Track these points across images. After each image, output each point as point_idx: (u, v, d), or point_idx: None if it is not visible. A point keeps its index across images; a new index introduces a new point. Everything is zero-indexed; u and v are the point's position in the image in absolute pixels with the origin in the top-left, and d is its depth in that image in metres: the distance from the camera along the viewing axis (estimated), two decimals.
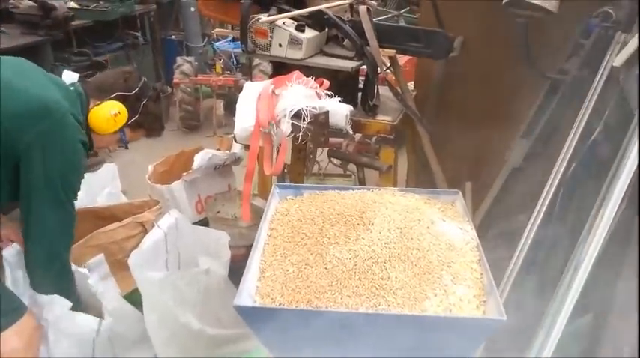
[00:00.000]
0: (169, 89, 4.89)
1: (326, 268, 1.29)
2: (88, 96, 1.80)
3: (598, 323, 1.53)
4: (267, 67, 4.69)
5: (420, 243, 1.34)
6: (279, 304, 1.22)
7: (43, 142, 1.57)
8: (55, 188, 1.62)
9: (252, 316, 1.23)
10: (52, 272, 1.69)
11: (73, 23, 4.34)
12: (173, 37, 5.68)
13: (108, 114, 1.78)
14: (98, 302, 1.82)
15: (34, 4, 4.15)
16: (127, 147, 1.98)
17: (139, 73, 1.94)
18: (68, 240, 1.75)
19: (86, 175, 2.46)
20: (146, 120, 1.92)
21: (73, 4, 4.62)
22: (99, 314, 1.78)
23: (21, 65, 1.74)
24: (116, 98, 1.81)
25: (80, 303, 1.81)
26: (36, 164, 1.58)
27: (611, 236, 1.44)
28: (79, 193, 2.36)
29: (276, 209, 1.55)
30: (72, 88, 1.78)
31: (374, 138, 2.96)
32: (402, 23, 4.07)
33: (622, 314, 1.46)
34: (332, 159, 2.93)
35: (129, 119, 1.84)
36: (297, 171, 2.62)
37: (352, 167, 3.28)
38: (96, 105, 1.79)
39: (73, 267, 1.84)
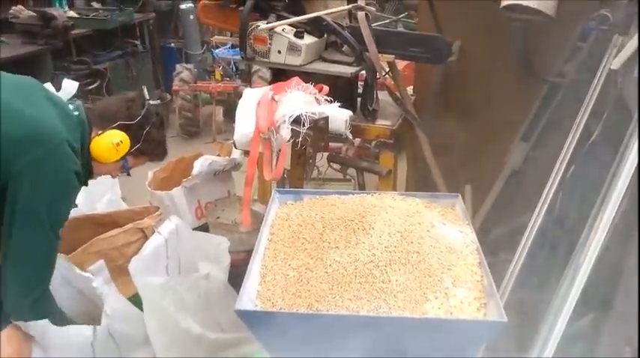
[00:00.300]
0: (169, 96, 4.90)
1: (326, 272, 1.29)
2: (90, 124, 1.77)
3: (599, 323, 1.52)
4: (266, 74, 4.71)
5: (420, 246, 1.34)
6: (280, 308, 1.22)
7: (33, 171, 1.53)
8: (40, 218, 1.57)
9: (254, 320, 1.23)
10: (29, 300, 1.63)
11: (73, 32, 4.36)
12: (172, 44, 5.70)
13: (110, 143, 1.74)
14: (102, 305, 1.81)
15: (33, 13, 4.17)
16: (129, 174, 1.94)
17: (143, 99, 1.89)
18: (48, 269, 1.69)
19: None
20: (149, 147, 1.87)
21: (72, 13, 4.64)
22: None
23: (23, 84, 1.70)
24: (119, 126, 1.77)
25: (67, 323, 1.76)
26: (23, 192, 1.53)
27: (611, 237, 1.44)
28: (80, 200, 2.37)
29: (276, 214, 1.56)
30: (76, 113, 1.74)
31: (373, 143, 2.97)
32: (400, 28, 4.09)
33: (623, 314, 1.46)
34: (331, 163, 2.93)
35: (131, 147, 1.80)
36: (297, 176, 2.63)
37: (352, 172, 3.28)
38: (98, 135, 1.76)
39: (77, 271, 1.83)
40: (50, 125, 1.58)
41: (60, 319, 1.72)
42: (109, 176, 2.01)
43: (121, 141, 1.76)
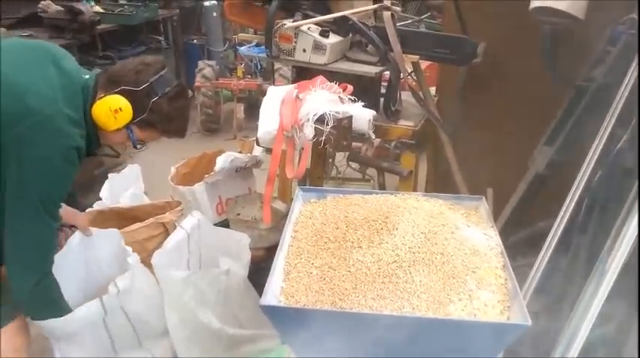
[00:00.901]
0: (190, 92, 4.95)
1: (349, 271, 1.30)
2: (96, 87, 1.66)
3: (622, 329, 1.50)
4: (287, 72, 4.72)
5: (444, 247, 1.34)
6: (304, 305, 1.23)
7: (18, 145, 1.46)
8: (30, 196, 1.49)
9: (278, 316, 1.24)
10: (29, 283, 1.57)
11: (99, 27, 4.42)
12: (195, 41, 5.76)
13: (107, 109, 1.61)
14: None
15: (61, 8, 4.24)
16: (135, 147, 1.78)
17: (162, 65, 1.73)
18: (45, 251, 1.61)
19: (110, 176, 2.53)
20: (158, 119, 1.70)
21: (98, 9, 4.71)
22: None
23: (26, 52, 1.62)
24: (122, 92, 1.63)
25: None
26: (11, 168, 1.47)
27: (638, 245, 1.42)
28: (104, 193, 2.41)
29: (300, 212, 1.56)
30: (86, 77, 1.67)
31: (393, 143, 2.97)
32: (423, 29, 4.07)
33: None
34: (350, 163, 2.93)
35: (135, 117, 1.65)
36: (317, 174, 2.63)
37: (370, 171, 3.28)
38: (100, 98, 1.63)
39: (122, 244, 1.87)
40: (41, 99, 1.49)
41: (65, 309, 1.69)
42: (124, 147, 1.87)
43: (121, 109, 1.62)
